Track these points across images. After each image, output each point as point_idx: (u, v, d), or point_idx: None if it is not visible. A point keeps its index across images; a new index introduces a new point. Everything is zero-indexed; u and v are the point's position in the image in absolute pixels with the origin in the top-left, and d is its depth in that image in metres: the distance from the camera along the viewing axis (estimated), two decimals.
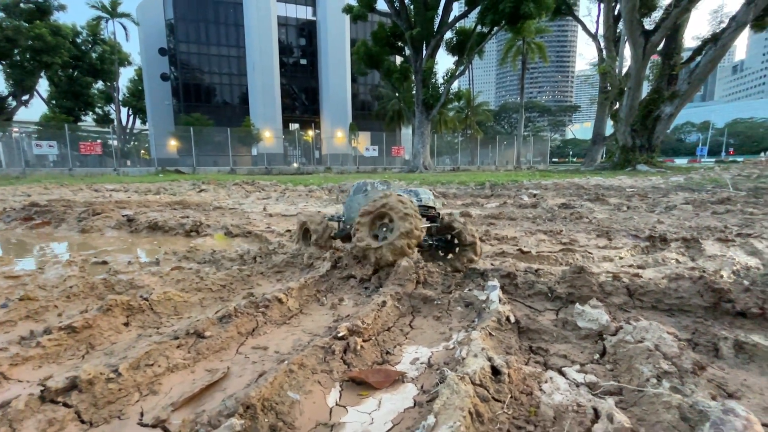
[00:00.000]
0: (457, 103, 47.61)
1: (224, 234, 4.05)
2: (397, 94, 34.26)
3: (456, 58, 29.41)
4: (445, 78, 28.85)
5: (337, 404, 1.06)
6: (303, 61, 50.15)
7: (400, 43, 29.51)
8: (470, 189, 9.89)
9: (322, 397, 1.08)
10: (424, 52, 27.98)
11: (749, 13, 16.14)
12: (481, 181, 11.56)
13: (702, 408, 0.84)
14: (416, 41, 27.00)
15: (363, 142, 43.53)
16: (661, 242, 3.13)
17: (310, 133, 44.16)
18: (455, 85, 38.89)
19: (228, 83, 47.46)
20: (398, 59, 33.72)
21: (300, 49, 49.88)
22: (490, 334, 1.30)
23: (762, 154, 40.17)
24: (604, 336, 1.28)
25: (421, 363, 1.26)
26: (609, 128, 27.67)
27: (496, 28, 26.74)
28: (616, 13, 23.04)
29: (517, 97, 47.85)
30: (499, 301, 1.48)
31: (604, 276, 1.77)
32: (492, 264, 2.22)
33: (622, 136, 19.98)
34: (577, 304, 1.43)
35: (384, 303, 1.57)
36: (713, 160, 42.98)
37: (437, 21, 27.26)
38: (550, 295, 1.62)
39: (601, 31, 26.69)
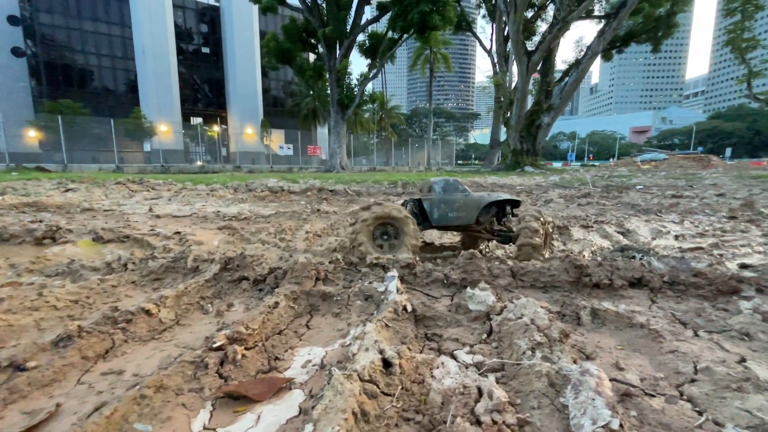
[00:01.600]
0: (371, 105, 48.66)
1: (92, 240, 3.34)
2: (311, 92, 33.41)
3: (369, 60, 29.98)
4: (360, 79, 29.20)
5: (205, 428, 0.89)
6: (205, 50, 45.47)
7: (313, 41, 28.86)
8: (384, 187, 10.14)
9: (186, 422, 0.89)
10: (338, 51, 27.87)
11: (600, 44, 19.93)
12: (394, 180, 11.96)
13: (565, 372, 0.91)
14: (329, 40, 26.71)
15: (276, 140, 41.43)
16: None
17: (216, 128, 40.27)
18: (369, 88, 39.69)
19: (110, 66, 40.38)
20: (312, 56, 32.99)
21: (202, 36, 45.10)
22: (387, 325, 1.26)
23: (611, 159, 50.29)
24: (491, 316, 1.35)
25: (313, 365, 1.16)
26: (503, 134, 31.34)
27: (405, 36, 28.01)
28: (505, 33, 26.20)
29: (427, 102, 51.09)
30: (397, 291, 1.46)
31: (493, 261, 1.90)
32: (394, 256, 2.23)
33: (513, 141, 22.84)
34: (468, 288, 1.49)
35: (276, 304, 1.42)
36: (579, 163, 52.16)
37: (350, 22, 27.38)
38: (446, 281, 1.67)
39: (494, 48, 30.03)
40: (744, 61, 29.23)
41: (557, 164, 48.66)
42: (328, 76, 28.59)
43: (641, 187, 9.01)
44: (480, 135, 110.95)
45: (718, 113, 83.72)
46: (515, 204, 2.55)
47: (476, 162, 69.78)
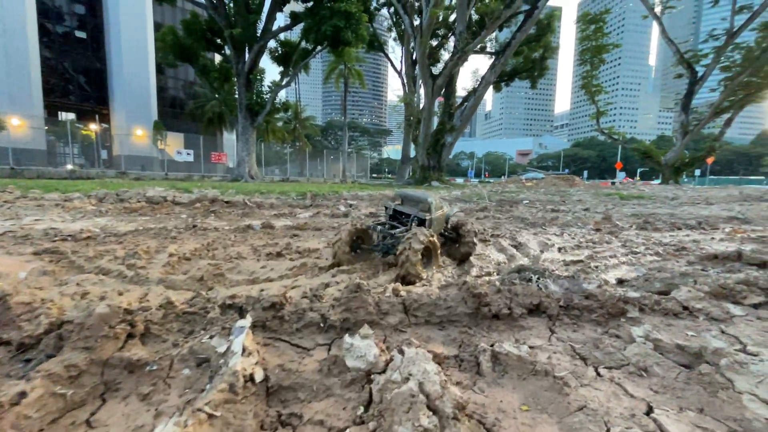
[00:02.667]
0: (284, 114, 47.08)
1: None
2: (217, 96, 30.58)
3: (282, 68, 28.98)
4: (271, 86, 27.87)
5: None
6: (81, 34, 38.22)
7: (219, 41, 26.63)
8: (290, 199, 9.42)
9: None
10: (248, 55, 26.22)
11: (492, 76, 22.60)
12: (303, 192, 11.30)
13: None
14: (237, 42, 24.94)
15: (174, 145, 36.73)
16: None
17: (94, 127, 33.73)
18: (282, 95, 38.22)
19: None
20: (218, 57, 30.52)
21: (76, 17, 37.82)
22: (211, 415, 0.81)
23: (502, 177, 57.57)
24: (372, 376, 1.01)
25: None
26: (413, 150, 33.06)
27: (319, 48, 27.88)
28: (413, 57, 27.94)
29: (342, 115, 51.53)
30: (243, 351, 1.01)
31: (384, 292, 1.59)
32: (262, 290, 1.75)
33: (421, 157, 24.16)
34: (347, 336, 1.13)
35: (21, 396, 0.84)
36: (477, 180, 58.43)
37: (261, 27, 26.08)
38: (323, 325, 1.28)
39: (403, 69, 31.76)
40: (593, 102, 36.53)
41: (459, 180, 53.58)
42: (236, 79, 26.67)
43: (527, 201, 10.13)
44: (393, 150, 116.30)
45: (578, 142, 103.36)
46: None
47: (389, 176, 72.69)
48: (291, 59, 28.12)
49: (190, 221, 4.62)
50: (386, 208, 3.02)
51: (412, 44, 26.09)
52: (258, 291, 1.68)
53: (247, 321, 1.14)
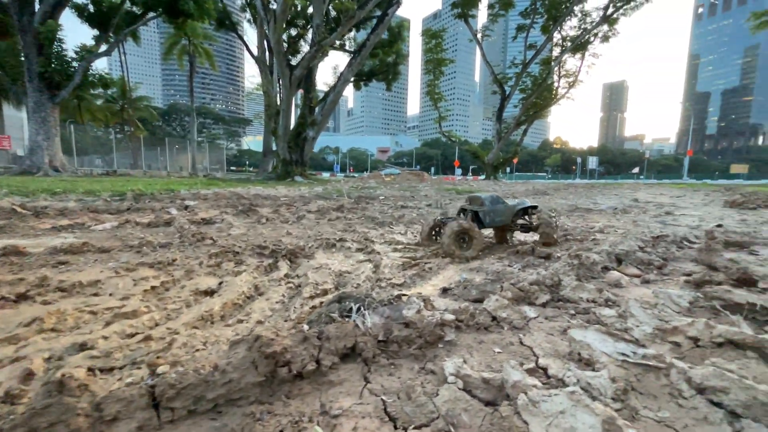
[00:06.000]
0: (105, 91, 37.42)
1: None
2: None
3: (97, 32, 22.72)
4: (81, 53, 21.38)
5: None
6: None
7: None
8: (100, 202, 7.26)
9: None
10: (38, 6, 19.37)
11: (350, 73, 23.13)
12: (122, 192, 8.93)
13: None
14: None
15: None
16: (282, 257, 3.08)
17: None
18: (102, 67, 30.01)
19: None
20: None
21: None
22: None
23: (365, 172, 60.71)
24: None
25: None
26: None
27: (152, 15, 22.99)
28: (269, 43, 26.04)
29: (188, 99, 44.34)
30: None
31: (128, 371, 1.09)
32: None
33: (282, 151, 22.85)
34: None
35: None
36: (343, 175, 59.87)
37: None
38: None
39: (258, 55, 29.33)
40: (437, 107, 42.05)
41: (326, 174, 53.72)
42: (21, 37, 19.32)
43: (383, 197, 10.64)
44: (254, 141, 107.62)
45: (426, 142, 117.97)
46: (534, 207, 3.71)
47: (250, 169, 66.92)
48: (110, 21, 22.23)
49: None
50: (460, 208, 3.81)
51: (266, 28, 24.22)
52: None
53: None
